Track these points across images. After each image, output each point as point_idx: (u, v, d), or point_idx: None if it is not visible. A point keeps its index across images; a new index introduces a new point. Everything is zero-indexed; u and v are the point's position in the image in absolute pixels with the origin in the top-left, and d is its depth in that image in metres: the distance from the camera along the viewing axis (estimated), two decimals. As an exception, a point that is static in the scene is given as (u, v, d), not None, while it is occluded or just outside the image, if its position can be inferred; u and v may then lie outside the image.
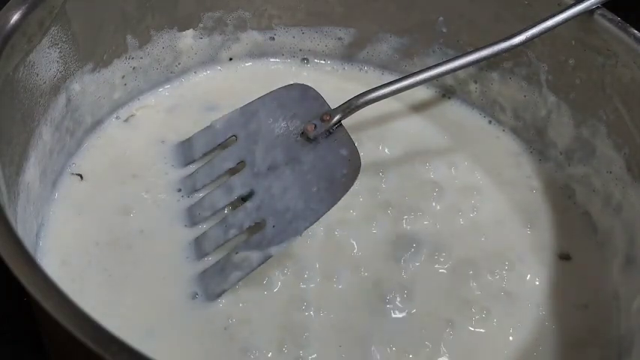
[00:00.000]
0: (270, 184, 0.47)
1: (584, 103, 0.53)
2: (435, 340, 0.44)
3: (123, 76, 0.54)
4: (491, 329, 0.46)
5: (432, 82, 0.57)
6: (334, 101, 0.49)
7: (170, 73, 0.57)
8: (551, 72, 0.54)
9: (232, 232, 0.46)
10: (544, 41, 0.53)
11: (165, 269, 0.45)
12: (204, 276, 0.45)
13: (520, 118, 0.57)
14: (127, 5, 0.51)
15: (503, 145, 0.58)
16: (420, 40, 0.59)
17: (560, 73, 0.54)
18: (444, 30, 0.58)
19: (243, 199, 0.48)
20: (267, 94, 0.51)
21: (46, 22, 0.45)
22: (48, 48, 0.46)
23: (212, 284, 0.45)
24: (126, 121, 0.54)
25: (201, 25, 0.57)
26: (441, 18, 0.58)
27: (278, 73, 0.60)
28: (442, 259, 0.48)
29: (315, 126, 0.48)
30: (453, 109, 0.60)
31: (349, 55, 0.61)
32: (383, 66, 0.61)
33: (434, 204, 0.52)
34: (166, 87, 0.57)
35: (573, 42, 0.52)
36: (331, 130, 0.48)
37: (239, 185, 0.48)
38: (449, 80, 0.60)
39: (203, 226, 0.48)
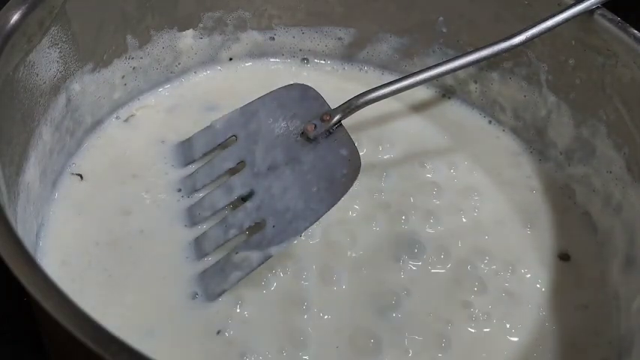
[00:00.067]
0: (270, 184, 0.47)
1: (584, 103, 0.53)
2: (435, 341, 0.44)
3: (123, 76, 0.54)
4: (491, 329, 0.46)
5: (432, 82, 0.57)
6: (334, 101, 0.49)
7: (170, 73, 0.57)
8: (551, 72, 0.54)
9: (232, 232, 0.46)
10: (544, 41, 0.53)
11: (165, 269, 0.45)
12: (204, 276, 0.45)
13: (520, 118, 0.57)
14: (127, 5, 0.51)
15: (503, 145, 0.58)
16: (420, 40, 0.59)
17: (560, 73, 0.54)
18: (444, 30, 0.58)
19: (243, 199, 0.48)
20: (267, 94, 0.51)
21: (46, 22, 0.45)
22: (48, 48, 0.46)
23: (212, 284, 0.44)
24: (126, 121, 0.54)
25: (201, 25, 0.57)
26: (441, 18, 0.58)
27: (278, 73, 0.60)
28: (442, 260, 0.48)
29: (315, 126, 0.48)
30: (453, 109, 0.60)
31: (349, 55, 0.61)
32: (383, 66, 0.61)
33: (434, 204, 0.52)
34: (166, 87, 0.57)
35: (573, 42, 0.52)
36: (331, 130, 0.48)
37: (239, 185, 0.48)
38: (449, 80, 0.60)
39: (203, 226, 0.48)
